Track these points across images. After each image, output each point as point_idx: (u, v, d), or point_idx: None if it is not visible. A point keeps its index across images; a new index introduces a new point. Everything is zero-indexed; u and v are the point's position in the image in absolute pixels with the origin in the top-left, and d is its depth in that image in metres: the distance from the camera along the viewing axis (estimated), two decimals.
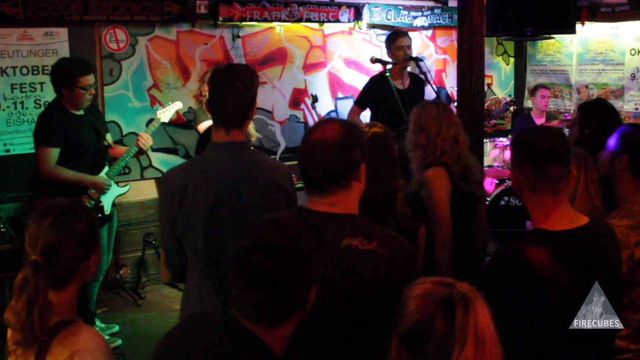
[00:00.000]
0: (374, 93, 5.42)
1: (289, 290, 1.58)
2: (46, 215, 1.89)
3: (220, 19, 6.05)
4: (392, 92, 5.00)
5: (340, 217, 1.94)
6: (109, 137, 4.77)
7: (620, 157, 2.65)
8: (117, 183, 4.76)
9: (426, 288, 1.44)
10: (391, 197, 2.82)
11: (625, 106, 7.50)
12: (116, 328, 4.93)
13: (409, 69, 5.54)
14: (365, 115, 5.77)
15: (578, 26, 7.45)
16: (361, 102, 5.59)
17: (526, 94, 8.39)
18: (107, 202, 4.63)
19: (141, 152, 4.81)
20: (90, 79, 4.41)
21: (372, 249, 1.90)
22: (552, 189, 2.07)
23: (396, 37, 5.45)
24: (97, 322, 4.83)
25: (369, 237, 1.92)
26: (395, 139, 2.92)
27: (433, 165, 3.30)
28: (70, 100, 4.39)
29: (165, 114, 5.00)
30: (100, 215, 4.53)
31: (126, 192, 4.86)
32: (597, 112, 3.74)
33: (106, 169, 4.62)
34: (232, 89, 2.49)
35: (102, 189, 4.53)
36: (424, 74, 5.35)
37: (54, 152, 4.35)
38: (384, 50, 5.76)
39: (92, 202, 4.49)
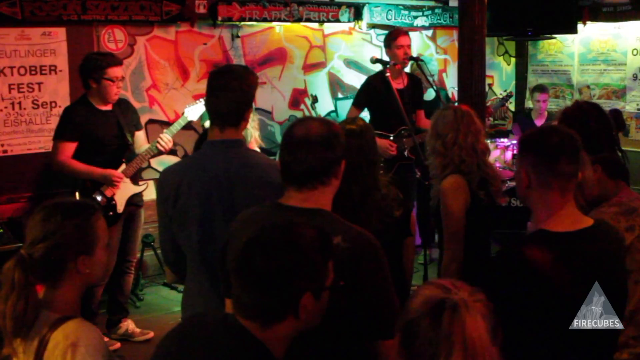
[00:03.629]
0: (373, 93, 5.39)
1: (276, 289, 1.58)
2: (39, 211, 1.94)
3: (220, 18, 6.03)
4: (391, 92, 4.96)
5: (309, 211, 1.96)
6: (140, 135, 4.73)
7: (595, 167, 2.96)
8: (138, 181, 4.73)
9: (429, 289, 1.44)
10: (369, 195, 2.78)
11: (627, 107, 7.47)
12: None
13: (407, 69, 5.51)
14: (366, 116, 5.74)
15: (580, 26, 7.43)
16: (359, 102, 5.56)
17: (527, 94, 8.36)
18: (120, 200, 4.58)
19: (160, 153, 4.69)
20: (118, 71, 4.43)
21: (335, 243, 1.90)
22: (562, 187, 2.07)
23: (396, 36, 5.42)
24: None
25: (334, 232, 1.92)
26: (374, 136, 2.84)
27: (450, 174, 3.24)
28: (98, 94, 4.41)
29: (192, 112, 4.70)
30: (111, 213, 4.50)
31: (143, 190, 4.75)
32: (578, 116, 3.68)
33: (123, 167, 4.58)
34: (227, 89, 2.52)
35: (111, 182, 4.48)
36: (424, 75, 5.32)
37: (68, 147, 4.37)
38: (384, 50, 5.73)
39: (106, 199, 4.46)
